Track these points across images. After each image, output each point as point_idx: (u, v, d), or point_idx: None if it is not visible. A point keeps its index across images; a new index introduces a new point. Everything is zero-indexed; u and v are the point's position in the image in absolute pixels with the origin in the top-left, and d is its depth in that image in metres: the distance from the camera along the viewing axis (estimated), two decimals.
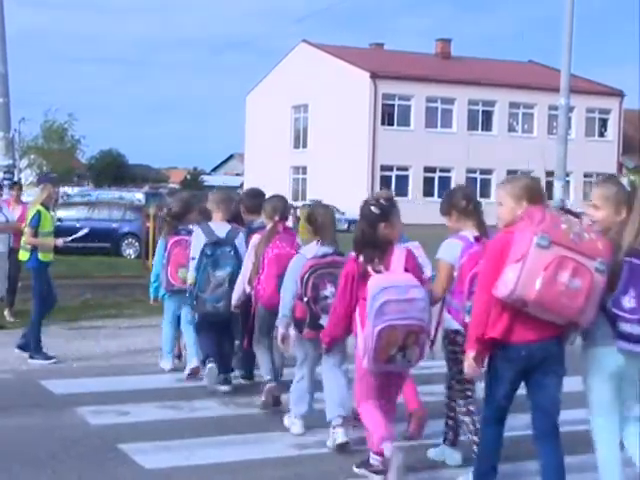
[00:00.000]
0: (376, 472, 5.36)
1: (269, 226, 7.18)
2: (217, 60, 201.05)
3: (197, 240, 7.63)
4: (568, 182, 35.90)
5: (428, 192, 44.09)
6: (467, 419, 5.68)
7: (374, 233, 5.40)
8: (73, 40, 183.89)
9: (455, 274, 5.54)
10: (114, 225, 23.56)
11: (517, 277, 4.45)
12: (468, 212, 5.68)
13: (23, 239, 9.46)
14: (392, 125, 44.22)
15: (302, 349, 6.46)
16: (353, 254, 5.50)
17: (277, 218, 7.12)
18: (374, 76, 43.06)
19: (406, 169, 44.02)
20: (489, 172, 45.00)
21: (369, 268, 5.34)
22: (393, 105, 44.39)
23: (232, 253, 7.56)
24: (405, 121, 44.41)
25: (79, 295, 13.79)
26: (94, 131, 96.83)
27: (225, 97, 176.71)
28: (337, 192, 40.65)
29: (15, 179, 15.75)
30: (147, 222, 16.91)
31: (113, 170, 75.47)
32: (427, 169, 44.28)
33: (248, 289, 7.19)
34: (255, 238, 7.27)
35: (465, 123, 45.17)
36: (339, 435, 6.14)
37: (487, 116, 46.32)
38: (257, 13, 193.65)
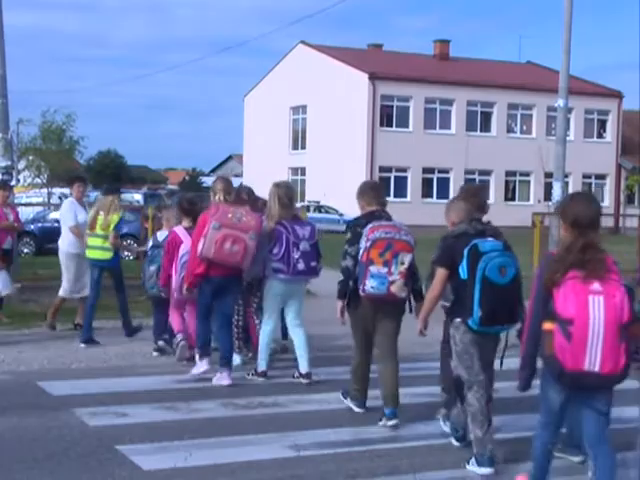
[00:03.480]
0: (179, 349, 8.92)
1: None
2: (215, 61, 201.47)
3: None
4: (567, 183, 35.87)
5: (427, 193, 44.10)
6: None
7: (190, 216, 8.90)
8: (73, 40, 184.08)
9: None
10: None
11: (202, 246, 7.85)
12: (242, 201, 8.52)
13: (97, 240, 10.42)
14: (391, 126, 44.15)
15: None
16: (174, 229, 9.01)
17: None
18: (373, 77, 43.01)
19: (405, 170, 43.99)
20: (488, 173, 45.02)
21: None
22: (392, 106, 44.32)
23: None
24: (404, 122, 44.33)
25: None
26: (92, 132, 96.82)
27: (223, 98, 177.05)
28: (336, 193, 40.63)
29: (13, 181, 15.63)
30: (145, 223, 16.84)
31: (111, 171, 75.48)
32: (426, 170, 44.24)
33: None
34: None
35: (464, 124, 45.11)
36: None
37: (486, 117, 46.27)
38: (255, 14, 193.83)
